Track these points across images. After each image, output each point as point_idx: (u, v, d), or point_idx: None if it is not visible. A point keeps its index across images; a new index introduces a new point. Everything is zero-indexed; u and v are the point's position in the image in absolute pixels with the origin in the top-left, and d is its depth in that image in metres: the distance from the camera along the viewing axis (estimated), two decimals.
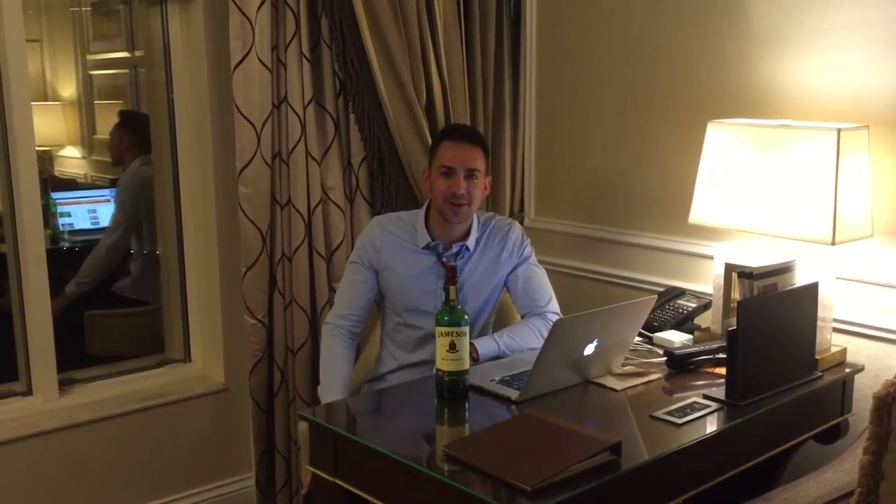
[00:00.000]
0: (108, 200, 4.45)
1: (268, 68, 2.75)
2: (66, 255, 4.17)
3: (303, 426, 2.18)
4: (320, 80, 2.86)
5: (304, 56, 2.79)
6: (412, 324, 2.50)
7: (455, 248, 2.48)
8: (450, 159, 2.41)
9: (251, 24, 2.68)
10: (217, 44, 2.87)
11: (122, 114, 4.29)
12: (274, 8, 2.75)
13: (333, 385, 2.38)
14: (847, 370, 2.34)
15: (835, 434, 2.35)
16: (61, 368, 2.86)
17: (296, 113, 2.81)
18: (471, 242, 2.50)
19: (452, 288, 2.06)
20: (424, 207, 2.53)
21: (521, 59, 3.20)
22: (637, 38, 2.85)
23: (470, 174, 2.42)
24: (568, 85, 3.09)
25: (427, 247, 2.48)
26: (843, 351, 2.37)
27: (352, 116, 2.91)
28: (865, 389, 2.26)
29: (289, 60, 2.78)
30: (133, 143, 3.87)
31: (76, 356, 3.18)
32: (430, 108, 2.94)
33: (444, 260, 2.45)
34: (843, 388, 2.34)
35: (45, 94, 5.64)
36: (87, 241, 4.12)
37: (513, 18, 3.18)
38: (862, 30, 2.33)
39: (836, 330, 2.38)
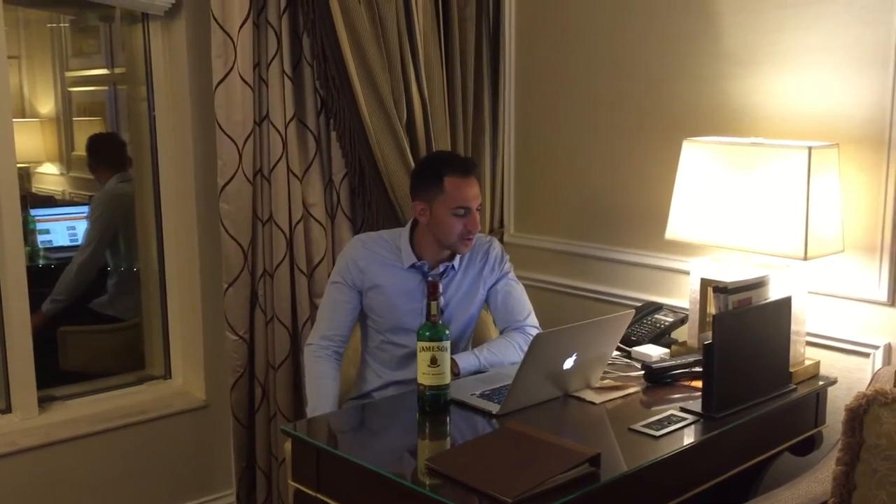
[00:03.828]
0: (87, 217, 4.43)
1: (249, 86, 2.77)
2: (45, 272, 4.14)
3: (288, 444, 2.18)
4: (302, 97, 2.88)
5: (286, 74, 2.82)
6: (397, 342, 2.51)
7: (441, 268, 2.50)
8: (464, 199, 2.42)
9: (233, 42, 2.71)
10: (199, 61, 2.88)
11: (89, 139, 4.29)
12: (256, 26, 2.78)
13: (323, 406, 2.37)
14: (820, 383, 2.38)
15: (809, 446, 2.39)
16: (36, 385, 2.84)
17: (277, 130, 2.83)
18: (456, 262, 2.52)
19: (434, 303, 2.08)
20: (408, 227, 2.53)
21: (500, 76, 3.24)
22: (614, 57, 2.90)
23: (478, 208, 2.46)
24: (546, 102, 3.13)
25: (413, 266, 2.49)
26: (817, 364, 2.42)
27: (333, 134, 2.93)
28: (838, 402, 2.30)
29: (270, 78, 2.81)
30: (104, 164, 3.89)
31: (50, 372, 3.16)
32: (410, 125, 2.96)
33: (430, 278, 2.47)
34: (817, 401, 2.38)
35: (24, 111, 5.60)
36: (65, 259, 4.09)
37: (492, 37, 3.22)
38: (832, 50, 2.39)
39: (809, 344, 2.42)
